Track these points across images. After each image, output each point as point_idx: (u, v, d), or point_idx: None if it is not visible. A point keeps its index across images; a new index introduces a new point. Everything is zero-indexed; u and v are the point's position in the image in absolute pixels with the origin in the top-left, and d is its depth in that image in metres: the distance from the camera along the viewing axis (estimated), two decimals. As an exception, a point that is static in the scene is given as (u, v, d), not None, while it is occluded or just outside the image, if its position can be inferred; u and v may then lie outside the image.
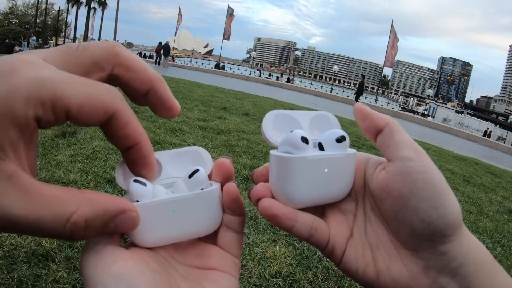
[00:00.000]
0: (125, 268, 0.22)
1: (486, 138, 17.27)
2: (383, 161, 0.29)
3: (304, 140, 0.28)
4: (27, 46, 22.19)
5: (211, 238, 0.30)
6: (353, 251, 0.29)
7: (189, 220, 0.27)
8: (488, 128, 30.62)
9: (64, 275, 1.37)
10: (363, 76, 18.48)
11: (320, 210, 0.32)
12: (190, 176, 0.28)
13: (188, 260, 0.28)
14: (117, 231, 0.22)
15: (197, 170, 0.28)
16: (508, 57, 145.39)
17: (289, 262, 1.75)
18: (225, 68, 33.46)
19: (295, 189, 0.28)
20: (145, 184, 0.26)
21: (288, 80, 30.38)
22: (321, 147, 0.30)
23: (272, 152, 0.29)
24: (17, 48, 20.77)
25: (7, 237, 1.52)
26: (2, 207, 0.18)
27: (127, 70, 0.24)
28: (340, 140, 0.29)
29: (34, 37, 28.67)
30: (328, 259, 0.31)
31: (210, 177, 0.31)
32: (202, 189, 0.28)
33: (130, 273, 0.22)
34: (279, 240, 1.93)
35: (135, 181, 0.26)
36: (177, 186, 0.28)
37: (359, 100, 16.26)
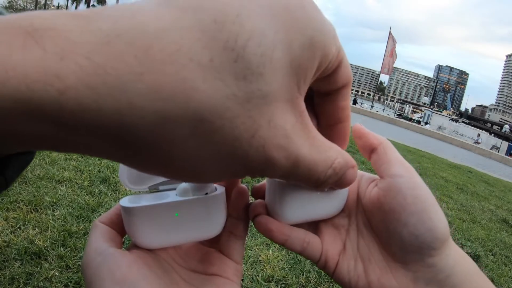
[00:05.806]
0: (130, 273, 0.22)
1: (479, 146, 17.34)
2: (376, 178, 0.30)
3: None
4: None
5: (213, 242, 0.30)
6: (345, 264, 0.30)
7: (191, 224, 0.27)
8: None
9: (56, 273, 1.36)
10: None
11: (314, 225, 0.33)
12: None
13: (190, 264, 0.29)
14: (339, 183, 0.23)
15: None
16: (505, 67, 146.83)
17: (282, 266, 1.76)
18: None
19: (288, 208, 0.29)
20: None
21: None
22: None
23: None
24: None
25: (-1, 234, 1.52)
26: (295, 145, 0.19)
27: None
28: None
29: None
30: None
31: None
32: (206, 193, 0.28)
33: (134, 279, 0.22)
34: (272, 244, 1.93)
35: None
36: (181, 189, 0.28)
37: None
